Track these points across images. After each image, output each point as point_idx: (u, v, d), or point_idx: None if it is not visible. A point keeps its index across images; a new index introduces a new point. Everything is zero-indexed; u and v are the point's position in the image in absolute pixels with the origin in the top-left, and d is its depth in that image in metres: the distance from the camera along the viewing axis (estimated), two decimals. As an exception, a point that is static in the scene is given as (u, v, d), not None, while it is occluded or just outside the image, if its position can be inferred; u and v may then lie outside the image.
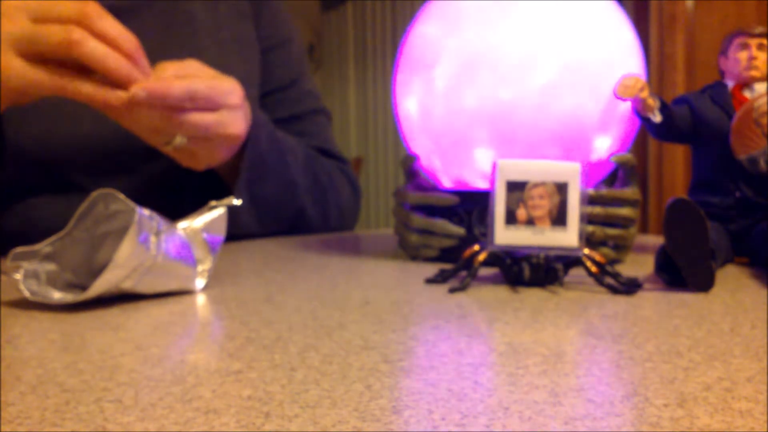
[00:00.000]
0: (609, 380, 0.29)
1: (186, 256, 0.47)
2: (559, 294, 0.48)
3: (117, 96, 0.59)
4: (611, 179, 0.64)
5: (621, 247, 0.62)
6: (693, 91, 0.64)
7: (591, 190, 0.60)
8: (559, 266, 0.50)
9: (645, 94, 0.58)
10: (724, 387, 0.27)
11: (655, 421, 0.24)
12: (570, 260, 0.51)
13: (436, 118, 0.62)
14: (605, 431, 0.23)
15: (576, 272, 0.53)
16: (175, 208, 0.62)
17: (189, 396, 0.27)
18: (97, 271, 0.44)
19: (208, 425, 0.24)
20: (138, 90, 0.59)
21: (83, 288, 0.45)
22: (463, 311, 0.42)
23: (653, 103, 0.60)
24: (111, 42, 0.57)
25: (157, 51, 0.62)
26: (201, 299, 0.47)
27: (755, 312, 0.42)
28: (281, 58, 0.96)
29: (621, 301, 0.45)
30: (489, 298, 0.47)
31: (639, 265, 0.60)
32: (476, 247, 0.52)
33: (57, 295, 0.45)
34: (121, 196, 0.45)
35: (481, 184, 0.62)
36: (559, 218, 0.51)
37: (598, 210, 0.60)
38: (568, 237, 0.51)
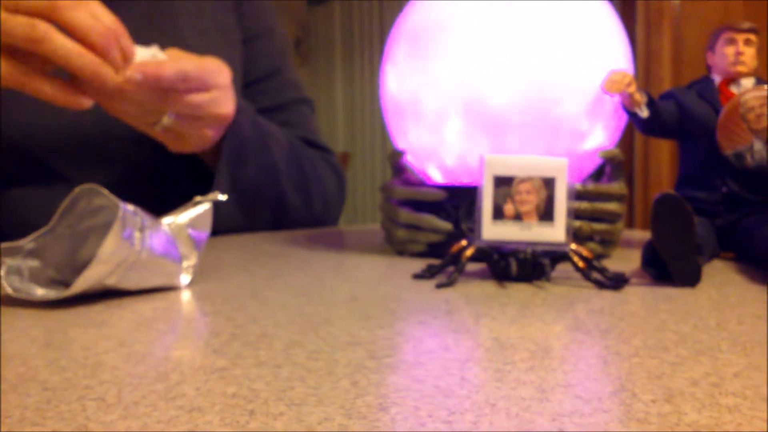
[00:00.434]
0: (596, 376, 0.28)
1: (171, 252, 0.47)
2: (546, 289, 0.48)
3: (78, 101, 0.58)
4: (598, 174, 0.64)
5: (608, 242, 0.62)
6: (680, 86, 0.64)
7: (578, 185, 0.60)
8: (546, 261, 0.50)
9: (632, 89, 0.58)
10: (711, 382, 0.27)
11: (642, 417, 0.23)
12: (557, 255, 0.51)
13: (423, 111, 0.61)
14: (593, 428, 0.23)
15: (563, 267, 0.53)
16: (160, 201, 0.61)
17: (172, 394, 0.26)
18: (80, 268, 0.43)
19: (192, 424, 0.23)
20: (134, 73, 0.59)
21: (66, 284, 0.44)
22: (450, 307, 0.42)
23: (640, 98, 0.60)
24: (81, 36, 0.56)
25: (139, 40, 0.61)
26: (186, 295, 0.46)
27: (742, 307, 0.42)
28: (263, 47, 0.95)
29: (608, 296, 0.45)
30: (476, 293, 0.47)
31: (625, 260, 0.60)
32: (463, 243, 0.52)
33: (40, 292, 0.44)
34: (105, 191, 0.44)
35: (468, 179, 0.61)
36: (546, 213, 0.51)
37: (584, 205, 0.60)
38: (555, 232, 0.51)
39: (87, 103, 0.58)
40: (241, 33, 0.92)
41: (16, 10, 0.55)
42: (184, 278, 0.49)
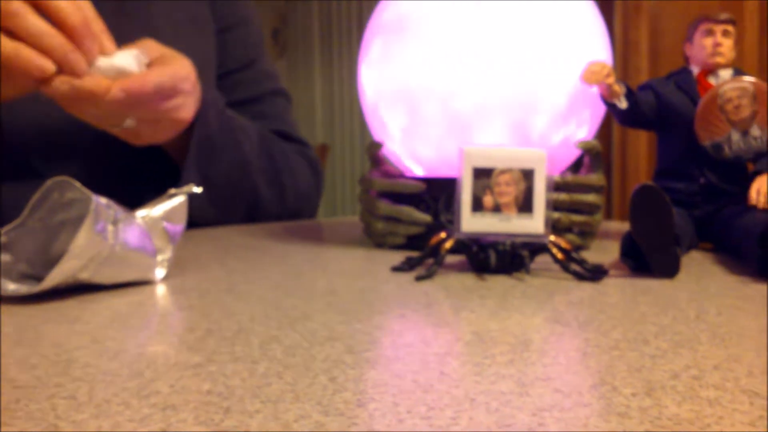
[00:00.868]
0: (576, 369, 0.28)
1: (145, 246, 0.46)
2: (525, 281, 0.48)
3: (41, 63, 0.56)
4: (576, 165, 0.64)
5: (586, 233, 0.62)
6: (658, 77, 0.64)
7: (557, 177, 0.60)
8: (526, 253, 0.50)
9: (611, 80, 0.58)
10: (691, 375, 0.27)
11: (623, 411, 0.23)
12: (536, 247, 0.51)
13: (400, 101, 0.61)
14: (573, 422, 0.22)
15: (542, 259, 0.53)
16: (134, 194, 0.60)
17: (146, 391, 0.26)
18: (53, 262, 0.43)
19: (165, 422, 0.23)
20: (117, 92, 0.58)
21: (39, 279, 0.43)
22: (430, 299, 0.42)
23: (619, 89, 0.60)
24: (58, 20, 0.55)
25: (112, 32, 0.60)
26: (161, 290, 0.46)
27: (720, 298, 0.42)
28: (238, 38, 0.94)
29: (587, 288, 0.45)
30: (455, 285, 0.46)
31: (604, 252, 0.60)
32: (443, 235, 0.51)
33: (11, 287, 0.43)
34: (77, 184, 0.44)
35: (448, 171, 0.61)
36: (525, 205, 0.50)
37: (563, 196, 0.60)
38: (534, 224, 0.50)
39: (49, 65, 0.57)
40: (215, 24, 0.91)
41: None
42: (159, 272, 0.48)
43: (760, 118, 0.57)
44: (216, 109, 0.78)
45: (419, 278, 0.48)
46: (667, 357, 0.30)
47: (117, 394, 0.25)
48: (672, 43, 2.35)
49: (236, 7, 0.94)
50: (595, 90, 0.60)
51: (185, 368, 0.28)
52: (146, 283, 0.47)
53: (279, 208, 0.91)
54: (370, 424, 0.22)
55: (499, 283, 0.47)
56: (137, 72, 0.61)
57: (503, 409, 0.24)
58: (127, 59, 0.60)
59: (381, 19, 0.65)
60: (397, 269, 0.52)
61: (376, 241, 0.65)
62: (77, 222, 0.44)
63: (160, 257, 0.48)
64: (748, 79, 0.58)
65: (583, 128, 0.62)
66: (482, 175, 0.51)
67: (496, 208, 0.50)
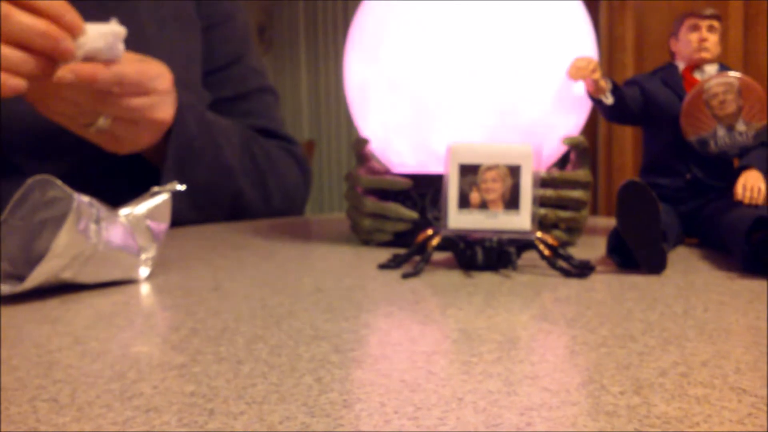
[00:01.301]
0: (564, 367, 0.28)
1: (128, 244, 0.46)
2: (512, 278, 0.48)
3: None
4: (563, 162, 0.64)
5: (573, 229, 0.62)
6: (644, 72, 0.64)
7: (543, 173, 0.60)
8: (512, 250, 0.50)
9: (597, 75, 0.58)
10: (679, 372, 0.27)
11: (612, 410, 0.23)
12: (523, 243, 0.51)
13: (386, 97, 0.61)
14: (561, 422, 0.22)
15: (529, 255, 0.53)
16: (117, 193, 0.60)
17: (129, 393, 0.25)
18: (35, 261, 0.42)
19: (148, 425, 0.22)
20: (65, 72, 0.57)
21: (21, 278, 0.43)
22: (417, 297, 0.42)
23: (605, 84, 0.59)
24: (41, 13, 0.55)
25: None
26: (145, 289, 0.45)
27: (707, 294, 0.42)
28: (224, 34, 0.93)
29: (574, 285, 0.45)
30: (443, 282, 0.46)
31: (590, 248, 0.60)
32: (429, 232, 0.51)
33: (-8, 287, 0.43)
34: (59, 182, 0.43)
35: (434, 168, 0.61)
36: (511, 201, 0.50)
37: (550, 193, 0.60)
38: (521, 220, 0.50)
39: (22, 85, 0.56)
40: (201, 21, 0.90)
41: None
42: (143, 271, 0.48)
43: (745, 113, 0.57)
44: (195, 113, 0.78)
45: (406, 276, 0.48)
46: (655, 354, 0.29)
47: (99, 396, 0.25)
48: (657, 39, 2.35)
49: (221, 4, 0.94)
50: (580, 86, 0.60)
51: (169, 369, 0.28)
52: (130, 282, 0.47)
53: (265, 208, 0.91)
54: (356, 425, 0.22)
55: (486, 280, 0.47)
56: (106, 52, 0.60)
57: (491, 408, 0.23)
58: (104, 31, 0.59)
59: (366, 14, 0.64)
60: (384, 267, 0.51)
61: (363, 238, 0.64)
62: (59, 220, 0.44)
63: (143, 256, 0.48)
64: (734, 74, 0.58)
65: (569, 124, 0.62)
66: (468, 171, 0.50)
67: (483, 205, 0.50)
